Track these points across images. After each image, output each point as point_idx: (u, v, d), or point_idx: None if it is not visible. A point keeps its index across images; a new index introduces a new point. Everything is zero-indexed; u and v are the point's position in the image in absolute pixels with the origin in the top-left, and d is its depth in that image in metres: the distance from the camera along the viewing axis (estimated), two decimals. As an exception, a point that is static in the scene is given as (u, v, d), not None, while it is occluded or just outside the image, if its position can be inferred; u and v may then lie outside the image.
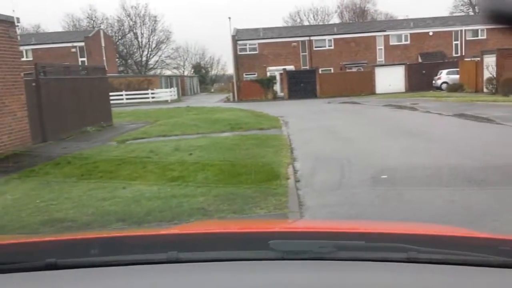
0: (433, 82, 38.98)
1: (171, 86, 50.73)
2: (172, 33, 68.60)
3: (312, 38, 48.34)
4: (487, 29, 47.81)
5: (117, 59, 64.99)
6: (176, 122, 19.54)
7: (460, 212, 6.27)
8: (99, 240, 1.75)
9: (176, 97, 46.72)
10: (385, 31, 48.84)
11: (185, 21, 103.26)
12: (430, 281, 1.42)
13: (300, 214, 6.46)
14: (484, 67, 31.26)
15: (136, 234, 2.04)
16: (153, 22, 69.10)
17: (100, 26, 63.22)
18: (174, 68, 73.51)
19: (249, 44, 48.23)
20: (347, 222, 3.86)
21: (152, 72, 65.89)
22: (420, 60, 46.13)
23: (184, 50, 74.03)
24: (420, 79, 39.95)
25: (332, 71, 45.92)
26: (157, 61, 70.47)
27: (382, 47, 48.36)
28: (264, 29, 50.18)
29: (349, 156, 10.45)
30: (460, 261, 1.48)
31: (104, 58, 51.73)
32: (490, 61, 30.68)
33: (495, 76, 29.64)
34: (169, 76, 59.36)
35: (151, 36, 68.86)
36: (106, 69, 24.56)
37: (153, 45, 69.39)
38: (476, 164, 9.06)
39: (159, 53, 70.37)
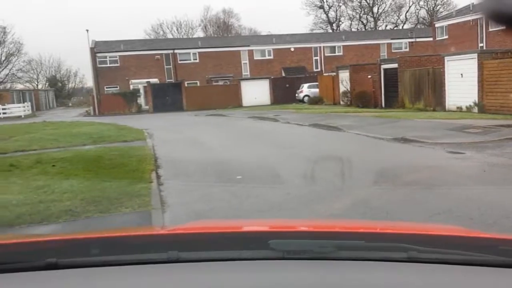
0: (296, 95, 41.34)
1: (24, 101, 48.25)
2: (23, 45, 63.57)
3: (176, 51, 48.37)
4: (343, 46, 51.69)
5: (-39, 74, 59.75)
6: (33, 137, 18.71)
7: (293, 200, 7.72)
8: (100, 240, 1.76)
9: (30, 112, 44.99)
10: (249, 46, 50.55)
11: (37, 32, 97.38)
12: (430, 281, 1.42)
13: (162, 210, 7.31)
14: (340, 81, 33.82)
15: (137, 234, 2.03)
16: (2, 34, 64.39)
17: None
18: (27, 81, 68.90)
19: (110, 57, 47.08)
20: (347, 222, 3.94)
21: (1, 87, 61.48)
22: (283, 74, 48.51)
23: (37, 63, 69.95)
24: (284, 92, 41.95)
25: (198, 84, 46.45)
26: (7, 75, 65.75)
27: (247, 61, 49.94)
28: (126, 41, 49.28)
29: (208, 161, 11.71)
30: (460, 261, 1.49)
31: None
32: (344, 76, 33.27)
33: (349, 89, 32.28)
34: (21, 90, 56.51)
35: (0, 48, 64.22)
36: None
37: (2, 58, 64.73)
38: (309, 164, 10.58)
39: (9, 66, 65.77)
